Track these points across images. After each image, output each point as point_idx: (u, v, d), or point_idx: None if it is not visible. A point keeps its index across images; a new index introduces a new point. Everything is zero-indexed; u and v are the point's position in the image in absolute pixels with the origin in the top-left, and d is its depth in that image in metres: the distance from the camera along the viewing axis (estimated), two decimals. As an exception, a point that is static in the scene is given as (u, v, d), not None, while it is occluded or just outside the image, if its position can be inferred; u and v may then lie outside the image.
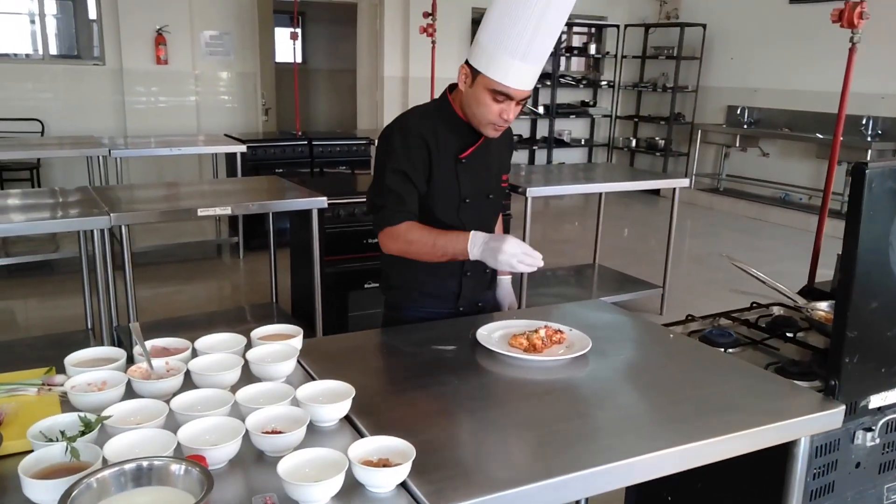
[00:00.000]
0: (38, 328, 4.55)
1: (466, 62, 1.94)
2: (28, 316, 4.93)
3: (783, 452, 1.65)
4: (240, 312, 4.74)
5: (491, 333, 1.92)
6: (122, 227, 3.34)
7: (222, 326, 1.87)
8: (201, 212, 3.49)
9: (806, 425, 1.61)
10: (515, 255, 1.87)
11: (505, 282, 2.34)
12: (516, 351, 1.82)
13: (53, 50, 7.94)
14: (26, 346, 3.93)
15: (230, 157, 6.31)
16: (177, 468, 1.11)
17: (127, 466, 1.09)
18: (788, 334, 2.11)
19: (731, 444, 1.50)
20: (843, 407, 1.63)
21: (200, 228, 6.79)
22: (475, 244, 1.92)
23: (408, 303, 2.15)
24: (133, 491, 1.08)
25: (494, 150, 2.14)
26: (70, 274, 5.02)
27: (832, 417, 1.62)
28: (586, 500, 2.34)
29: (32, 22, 7.61)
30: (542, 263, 1.90)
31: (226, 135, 6.93)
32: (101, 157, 5.78)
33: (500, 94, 1.88)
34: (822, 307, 2.15)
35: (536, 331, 1.88)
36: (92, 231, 3.29)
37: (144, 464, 1.10)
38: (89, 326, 4.09)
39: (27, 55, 7.78)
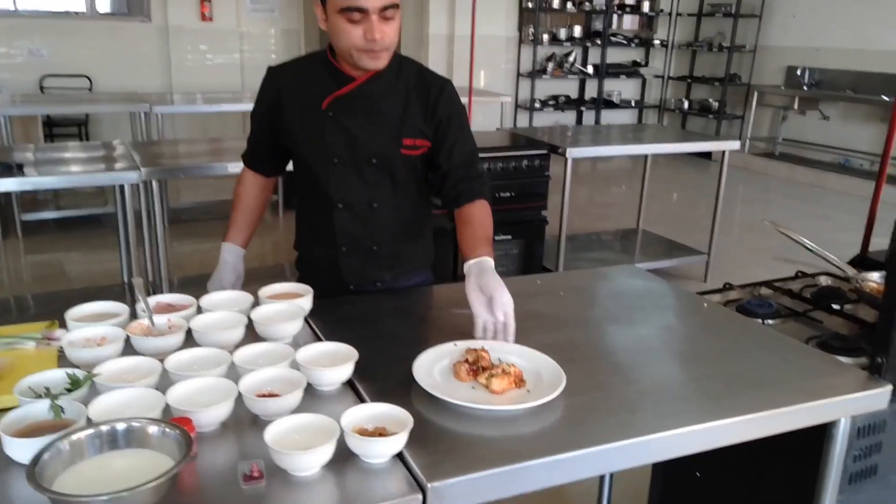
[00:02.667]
0: (80, 281, 4.62)
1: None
2: (72, 269, 5.02)
3: (821, 433, 1.53)
4: (275, 270, 4.74)
5: (433, 366, 1.44)
6: (153, 182, 3.32)
7: (255, 284, 1.83)
8: (231, 168, 3.45)
9: (848, 405, 1.48)
10: (212, 284, 1.87)
11: (478, 271, 1.63)
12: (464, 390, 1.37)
13: (103, 8, 7.99)
14: (62, 299, 3.98)
15: (272, 115, 6.27)
16: (155, 430, 1.05)
17: (104, 428, 1.04)
18: (835, 306, 1.97)
19: (763, 424, 1.40)
20: (890, 387, 1.49)
21: (243, 186, 6.80)
22: (222, 252, 1.93)
23: (301, 268, 2.02)
24: (109, 454, 1.04)
25: (390, 106, 1.78)
26: (115, 229, 5.08)
27: (877, 398, 1.50)
28: (610, 476, 2.26)
29: (84, -21, 7.66)
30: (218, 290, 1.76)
31: (268, 92, 6.89)
32: (142, 114, 5.81)
33: (353, 11, 1.59)
34: (874, 278, 1.99)
35: (478, 357, 1.43)
36: (123, 185, 3.28)
37: (121, 426, 1.04)
38: (125, 281, 4.13)
39: (79, 13, 7.84)
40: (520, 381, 1.39)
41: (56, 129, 7.26)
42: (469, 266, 1.64)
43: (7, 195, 5.24)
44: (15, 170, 2.99)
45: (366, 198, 1.83)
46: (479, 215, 1.80)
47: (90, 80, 7.45)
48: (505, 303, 1.53)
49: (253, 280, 1.94)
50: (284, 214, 6.16)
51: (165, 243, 3.46)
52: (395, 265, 1.92)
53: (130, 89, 7.21)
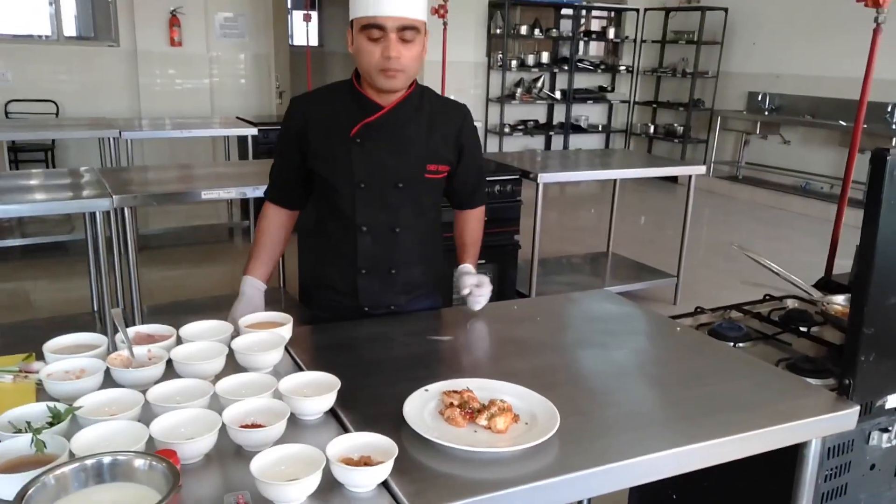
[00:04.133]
0: (47, 310, 4.53)
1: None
2: (38, 297, 4.92)
3: (793, 453, 1.57)
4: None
5: (425, 406, 1.43)
6: (126, 209, 3.29)
7: (226, 311, 1.84)
8: (205, 195, 3.44)
9: (817, 426, 1.53)
10: (231, 315, 1.84)
11: (465, 273, 2.03)
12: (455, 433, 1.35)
13: (70, 31, 7.92)
14: (31, 329, 3.91)
15: (242, 140, 6.26)
16: (141, 463, 1.05)
17: (88, 462, 1.04)
18: (802, 329, 2.02)
19: (736, 446, 1.43)
20: (858, 408, 1.54)
21: (213, 211, 6.77)
22: (242, 286, 1.93)
23: (315, 291, 2.05)
24: (94, 488, 1.03)
25: (416, 133, 1.87)
26: (82, 256, 5.00)
27: (846, 418, 1.54)
28: (588, 500, 2.28)
29: (50, 3, 7.58)
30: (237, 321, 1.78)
31: (238, 117, 6.89)
32: (112, 139, 5.76)
33: (373, 29, 1.69)
34: (839, 301, 2.05)
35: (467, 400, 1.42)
36: (95, 213, 3.25)
37: (107, 459, 1.04)
38: (95, 309, 4.07)
39: (45, 37, 7.77)
40: (515, 416, 1.40)
41: (21, 155, 7.14)
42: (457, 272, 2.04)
43: (-30, 223, 5.14)
44: (-17, 198, 2.96)
45: (389, 222, 1.89)
46: (474, 222, 2.14)
47: (57, 106, 7.36)
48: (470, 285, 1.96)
49: (225, 307, 1.94)
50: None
51: (137, 271, 3.42)
52: (412, 289, 1.98)
53: (98, 114, 7.13)
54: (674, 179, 8.88)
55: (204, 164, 6.67)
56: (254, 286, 1.94)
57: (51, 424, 1.20)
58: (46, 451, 1.13)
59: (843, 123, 7.49)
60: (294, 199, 2.01)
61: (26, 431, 1.17)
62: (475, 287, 1.95)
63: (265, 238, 2.00)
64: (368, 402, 1.46)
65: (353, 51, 1.78)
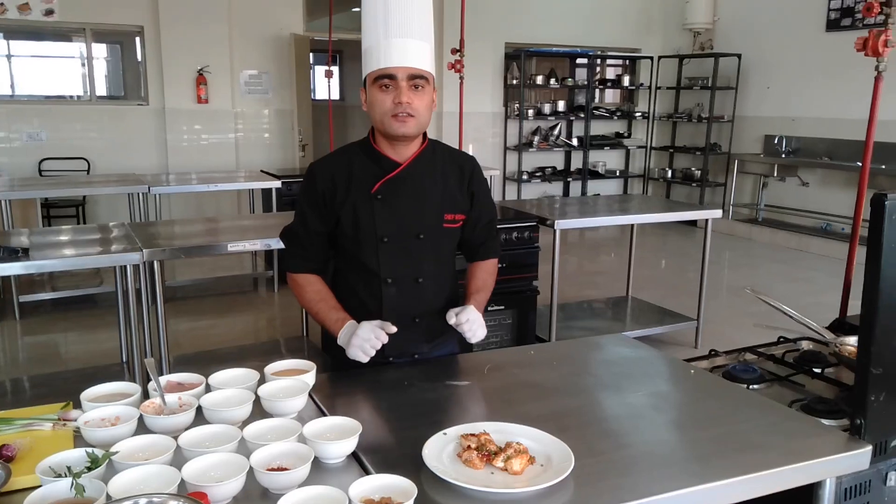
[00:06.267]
0: (77, 361, 4.64)
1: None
2: (69, 349, 5.05)
3: (808, 494, 1.59)
4: (271, 346, 4.78)
5: (443, 449, 1.47)
6: (154, 262, 3.41)
7: (251, 360, 1.90)
8: (231, 247, 3.55)
9: (830, 466, 1.55)
10: (368, 341, 1.82)
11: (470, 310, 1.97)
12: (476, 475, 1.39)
13: (101, 91, 8.24)
14: (62, 380, 4.02)
15: (266, 193, 6.42)
16: (175, 505, 1.11)
17: (125, 503, 1.10)
18: (816, 370, 2.05)
19: (750, 485, 1.45)
20: (870, 447, 1.57)
21: (238, 262, 6.90)
22: (345, 333, 1.89)
23: (336, 342, 1.98)
24: (131, 528, 1.09)
25: (432, 185, 1.96)
26: (111, 308, 5.13)
27: (858, 458, 1.56)
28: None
29: (83, 65, 7.91)
30: (378, 345, 1.82)
31: (262, 171, 7.07)
32: (141, 194, 5.95)
33: (384, 80, 1.82)
34: (851, 342, 2.07)
35: (486, 443, 1.47)
36: (126, 266, 3.37)
37: (142, 501, 1.10)
38: (124, 360, 4.17)
39: (78, 97, 8.09)
40: (531, 458, 1.44)
41: (53, 211, 7.38)
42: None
43: (6, 278, 5.30)
44: (20, 253, 3.08)
45: (412, 273, 1.97)
46: (484, 273, 2.12)
47: (88, 162, 7.62)
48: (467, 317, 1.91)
49: (250, 356, 2.00)
50: (280, 291, 6.24)
51: (165, 322, 3.52)
52: (434, 336, 2.04)
53: (127, 170, 7.38)
54: (693, 223, 8.91)
55: (229, 217, 6.84)
56: (354, 324, 1.91)
57: (89, 469, 1.27)
58: (86, 495, 1.19)
59: (861, 164, 7.50)
60: (322, 261, 2.04)
61: (66, 476, 1.23)
62: (458, 315, 1.90)
63: (322, 294, 1.99)
64: (389, 446, 1.51)
65: (367, 107, 1.90)
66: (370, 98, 1.87)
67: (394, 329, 1.84)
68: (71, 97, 8.15)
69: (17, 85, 7.94)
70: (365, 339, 1.82)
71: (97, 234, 4.01)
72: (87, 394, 1.60)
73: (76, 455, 1.32)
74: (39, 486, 1.23)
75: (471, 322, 1.91)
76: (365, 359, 1.84)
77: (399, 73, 1.81)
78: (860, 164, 7.44)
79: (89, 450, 1.32)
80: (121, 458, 1.32)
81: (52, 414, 1.56)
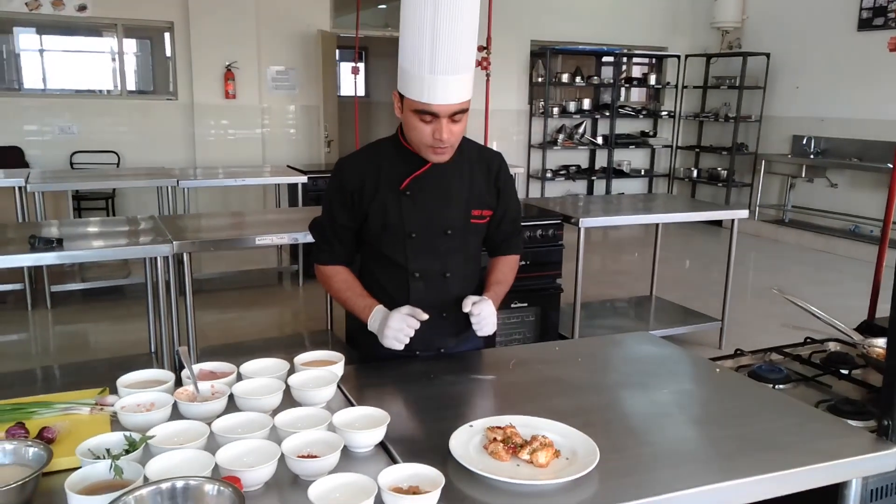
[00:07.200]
0: (106, 351, 4.73)
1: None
2: (98, 339, 5.14)
3: (834, 495, 1.59)
4: (296, 339, 4.84)
5: (469, 440, 1.50)
6: (184, 255, 3.47)
7: (277, 352, 1.92)
8: (259, 241, 3.60)
9: (857, 466, 1.55)
10: (401, 331, 1.83)
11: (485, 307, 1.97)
12: (504, 466, 1.42)
13: (131, 86, 8.37)
14: (90, 369, 4.10)
15: (292, 188, 6.49)
16: (210, 488, 1.15)
17: (163, 485, 1.14)
18: (843, 371, 2.04)
19: (775, 484, 1.46)
20: (897, 448, 1.56)
21: (263, 256, 6.98)
22: (375, 319, 1.91)
23: (367, 338, 2.00)
24: (168, 509, 1.13)
25: (459, 182, 1.97)
26: (139, 299, 5.22)
27: (885, 459, 1.56)
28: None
29: (114, 60, 8.04)
30: (411, 333, 1.84)
31: (288, 166, 7.14)
32: (170, 188, 6.04)
33: (426, 114, 1.78)
34: (879, 343, 2.06)
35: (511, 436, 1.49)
36: (156, 258, 3.43)
37: (179, 483, 1.14)
38: (152, 350, 4.24)
39: (108, 91, 8.22)
40: (556, 451, 1.46)
41: (84, 203, 7.51)
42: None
43: (39, 268, 5.42)
44: (55, 244, 3.15)
45: (439, 268, 1.99)
46: (505, 267, 2.13)
47: (118, 156, 7.75)
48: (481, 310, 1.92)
49: (276, 348, 2.04)
50: (304, 284, 6.30)
51: (193, 313, 3.58)
52: (460, 330, 2.03)
53: (156, 164, 7.50)
54: (718, 223, 8.85)
55: (256, 212, 6.92)
56: (382, 310, 1.93)
57: (127, 452, 1.31)
58: (124, 477, 1.23)
59: (891, 166, 7.40)
60: (350, 255, 2.07)
61: (105, 458, 1.27)
62: (474, 305, 1.91)
63: (350, 283, 2.02)
64: (416, 436, 1.54)
65: (400, 117, 1.88)
66: (408, 120, 1.84)
67: (425, 316, 1.86)
68: (102, 91, 8.28)
69: (49, 79, 8.08)
70: (398, 329, 1.84)
71: (127, 226, 4.08)
72: (123, 380, 1.64)
73: (115, 438, 1.36)
74: (79, 468, 1.27)
75: (482, 316, 1.91)
76: (400, 347, 1.87)
77: (443, 111, 1.78)
78: (891, 165, 7.40)
79: (127, 433, 1.36)
80: (157, 443, 1.36)
81: (90, 399, 1.60)
